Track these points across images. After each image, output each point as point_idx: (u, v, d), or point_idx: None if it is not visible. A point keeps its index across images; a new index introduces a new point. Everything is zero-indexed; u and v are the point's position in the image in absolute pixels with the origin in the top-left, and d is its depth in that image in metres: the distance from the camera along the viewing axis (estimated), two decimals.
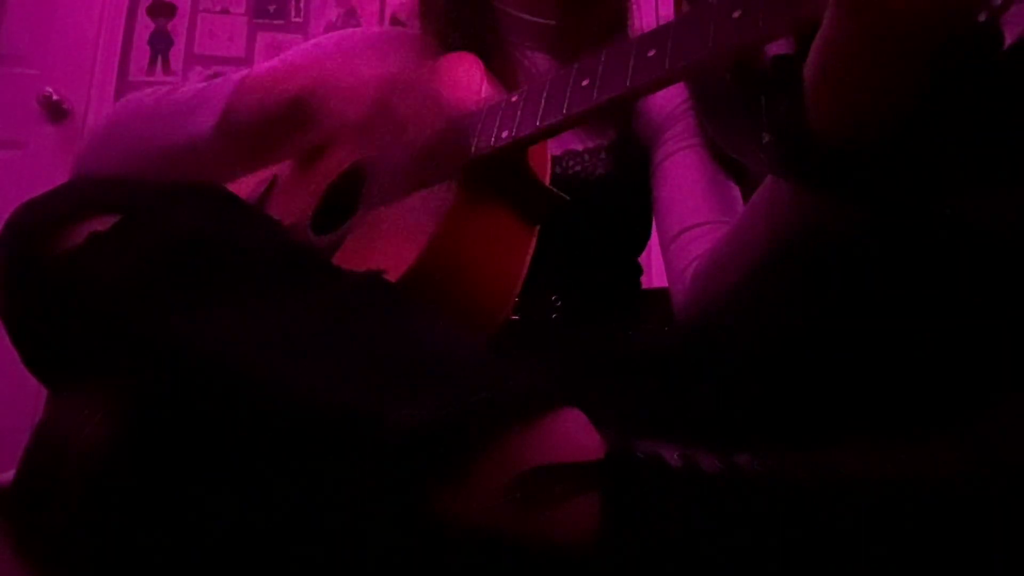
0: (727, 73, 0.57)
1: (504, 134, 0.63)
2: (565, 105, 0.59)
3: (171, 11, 2.28)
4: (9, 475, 0.52)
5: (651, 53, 0.55)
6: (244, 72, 0.69)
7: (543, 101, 0.61)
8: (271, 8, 2.31)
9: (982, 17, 0.40)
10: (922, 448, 0.40)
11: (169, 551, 0.46)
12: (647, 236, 0.94)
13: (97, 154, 0.73)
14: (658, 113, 0.89)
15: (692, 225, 0.80)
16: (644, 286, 1.00)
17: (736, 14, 0.49)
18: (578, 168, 0.85)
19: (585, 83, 0.59)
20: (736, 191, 0.83)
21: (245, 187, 0.88)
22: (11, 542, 0.48)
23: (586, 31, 0.89)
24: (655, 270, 1.12)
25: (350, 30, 0.98)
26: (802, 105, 0.46)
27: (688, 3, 0.65)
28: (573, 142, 0.87)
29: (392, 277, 0.60)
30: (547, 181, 0.70)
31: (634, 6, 0.95)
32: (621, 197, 0.88)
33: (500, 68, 0.83)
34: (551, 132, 0.62)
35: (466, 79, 0.74)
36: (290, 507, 0.44)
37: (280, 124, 0.67)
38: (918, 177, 0.44)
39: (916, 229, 0.45)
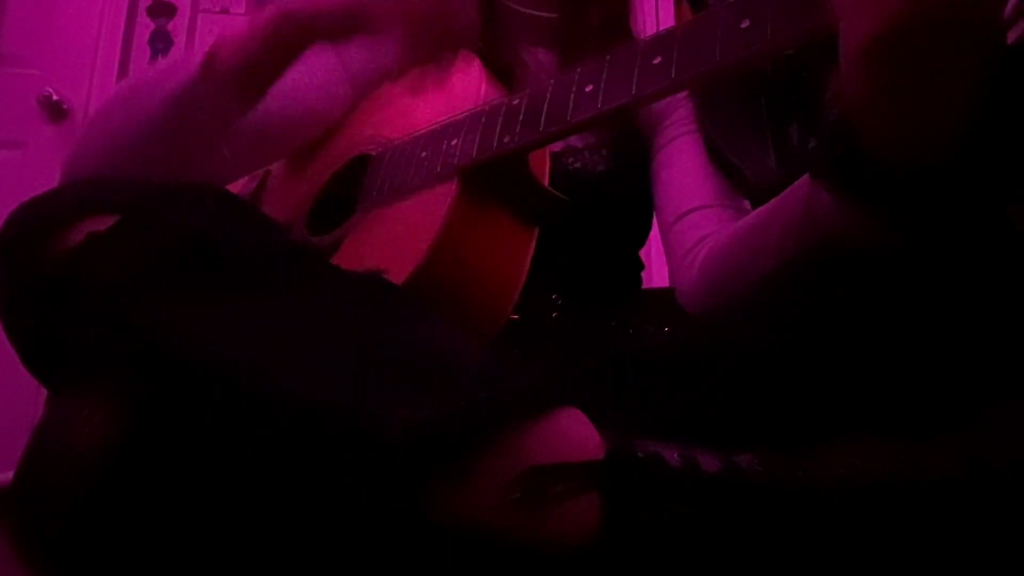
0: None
1: (506, 139, 0.62)
2: (568, 112, 0.58)
3: (171, 11, 2.28)
4: (9, 475, 0.51)
5: (657, 60, 0.54)
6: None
7: (545, 107, 0.60)
8: None
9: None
10: (922, 448, 0.40)
11: (168, 551, 0.45)
12: (647, 230, 0.95)
13: (91, 140, 0.72)
14: (658, 102, 0.88)
15: (695, 207, 0.80)
16: (644, 284, 1.00)
17: (745, 23, 0.48)
18: (578, 165, 0.85)
19: (589, 89, 0.58)
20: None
21: (236, 185, 0.87)
22: (11, 542, 0.48)
23: (588, 26, 0.89)
24: (655, 269, 1.12)
25: None
26: (854, 117, 0.45)
27: (690, 6, 0.64)
28: (573, 138, 0.86)
29: (395, 279, 0.60)
30: (546, 181, 0.70)
31: (637, 3, 0.95)
32: (621, 193, 0.88)
33: (501, 64, 0.83)
34: (553, 139, 0.62)
35: (464, 77, 0.73)
36: (290, 507, 0.44)
37: (263, 58, 0.67)
38: (975, 192, 0.43)
39: (961, 238, 0.44)
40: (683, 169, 0.83)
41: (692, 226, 0.79)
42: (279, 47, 0.67)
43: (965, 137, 0.42)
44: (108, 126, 0.72)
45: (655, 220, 0.90)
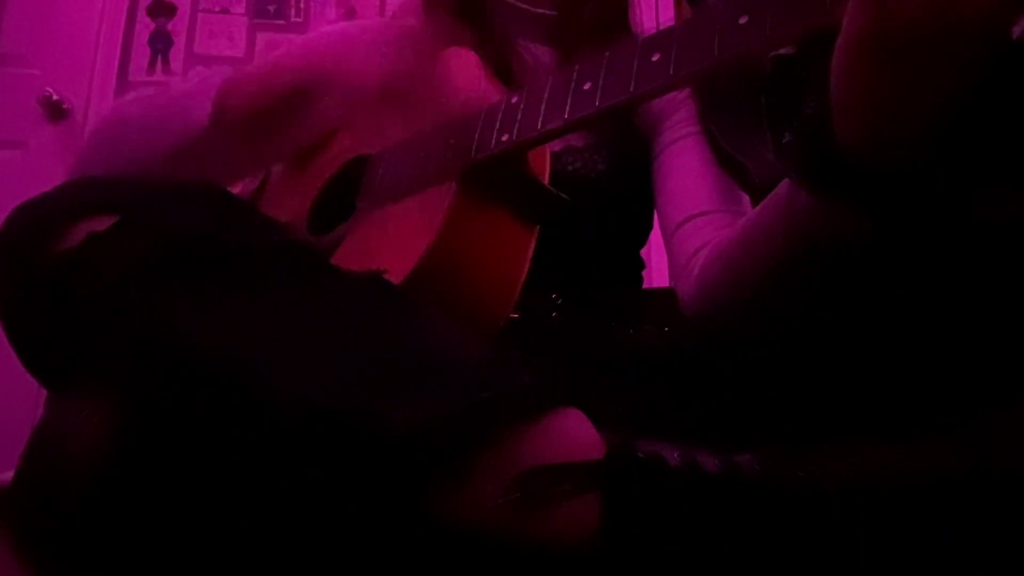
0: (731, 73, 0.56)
1: (504, 137, 0.62)
2: (567, 110, 0.58)
3: (171, 11, 2.28)
4: (9, 475, 0.52)
5: (655, 58, 0.54)
6: (235, 69, 0.70)
7: (544, 105, 0.60)
8: (271, 8, 2.31)
9: (1017, 31, 0.39)
10: (921, 448, 0.40)
11: (169, 551, 0.46)
12: (648, 230, 0.95)
13: (92, 162, 0.72)
14: (659, 102, 0.88)
15: (696, 214, 0.80)
16: (645, 284, 1.00)
17: (743, 20, 0.48)
18: (578, 164, 0.85)
19: (587, 87, 0.58)
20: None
21: (237, 185, 0.87)
22: (11, 542, 0.48)
23: (586, 23, 0.89)
24: (655, 269, 1.12)
25: (342, 25, 0.96)
26: (828, 113, 0.45)
27: (689, 4, 0.64)
28: (573, 138, 0.86)
29: (394, 278, 0.60)
30: (546, 180, 0.70)
31: (634, 1, 0.95)
32: (621, 193, 0.88)
33: (500, 61, 0.83)
34: (551, 137, 0.62)
35: (465, 77, 0.73)
36: (290, 507, 0.44)
37: (276, 116, 0.67)
38: (946, 192, 0.43)
39: (935, 236, 0.44)
40: (684, 174, 0.83)
41: (693, 233, 0.79)
42: (283, 96, 0.67)
43: (940, 137, 0.42)
44: (109, 150, 0.71)
45: (656, 222, 0.90)
